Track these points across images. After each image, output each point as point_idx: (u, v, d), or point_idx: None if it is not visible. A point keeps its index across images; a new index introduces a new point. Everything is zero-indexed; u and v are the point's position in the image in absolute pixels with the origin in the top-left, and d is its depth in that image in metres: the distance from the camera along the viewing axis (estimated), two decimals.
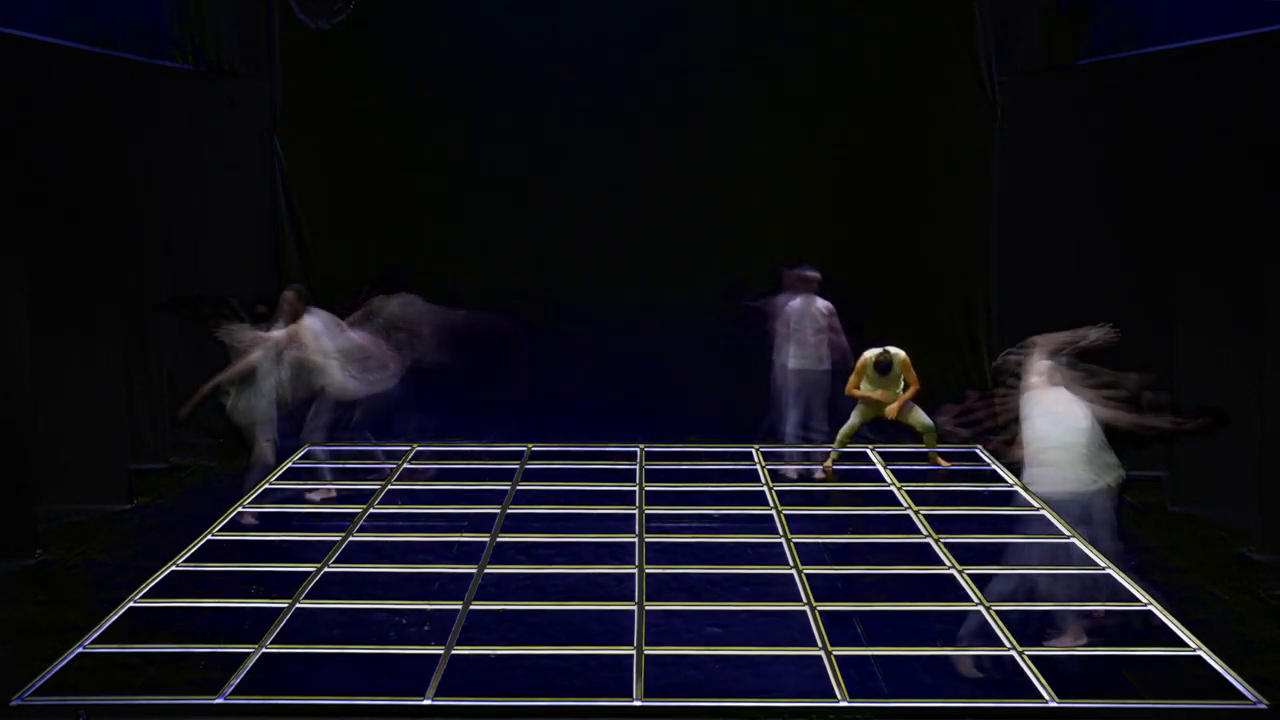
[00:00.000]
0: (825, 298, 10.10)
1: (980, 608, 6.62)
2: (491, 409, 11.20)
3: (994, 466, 9.44)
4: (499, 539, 7.85)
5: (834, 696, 5.69)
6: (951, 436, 9.11)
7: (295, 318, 9.28)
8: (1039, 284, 11.08)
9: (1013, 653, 6.11)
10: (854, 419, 9.81)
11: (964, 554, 7.45)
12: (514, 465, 9.54)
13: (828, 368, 10.09)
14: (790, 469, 9.92)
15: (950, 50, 11.25)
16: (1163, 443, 8.90)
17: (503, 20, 11.55)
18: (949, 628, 6.58)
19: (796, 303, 10.07)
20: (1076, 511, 6.97)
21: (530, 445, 10.06)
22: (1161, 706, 5.70)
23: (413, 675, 5.90)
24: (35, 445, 8.52)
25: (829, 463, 9.82)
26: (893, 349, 9.61)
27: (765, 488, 8.95)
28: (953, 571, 7.18)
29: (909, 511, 8.31)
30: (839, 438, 9.87)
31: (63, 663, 6.07)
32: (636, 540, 7.73)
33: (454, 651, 6.17)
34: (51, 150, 8.99)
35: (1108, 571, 6.97)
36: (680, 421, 10.99)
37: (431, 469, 9.62)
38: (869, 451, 9.83)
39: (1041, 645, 6.35)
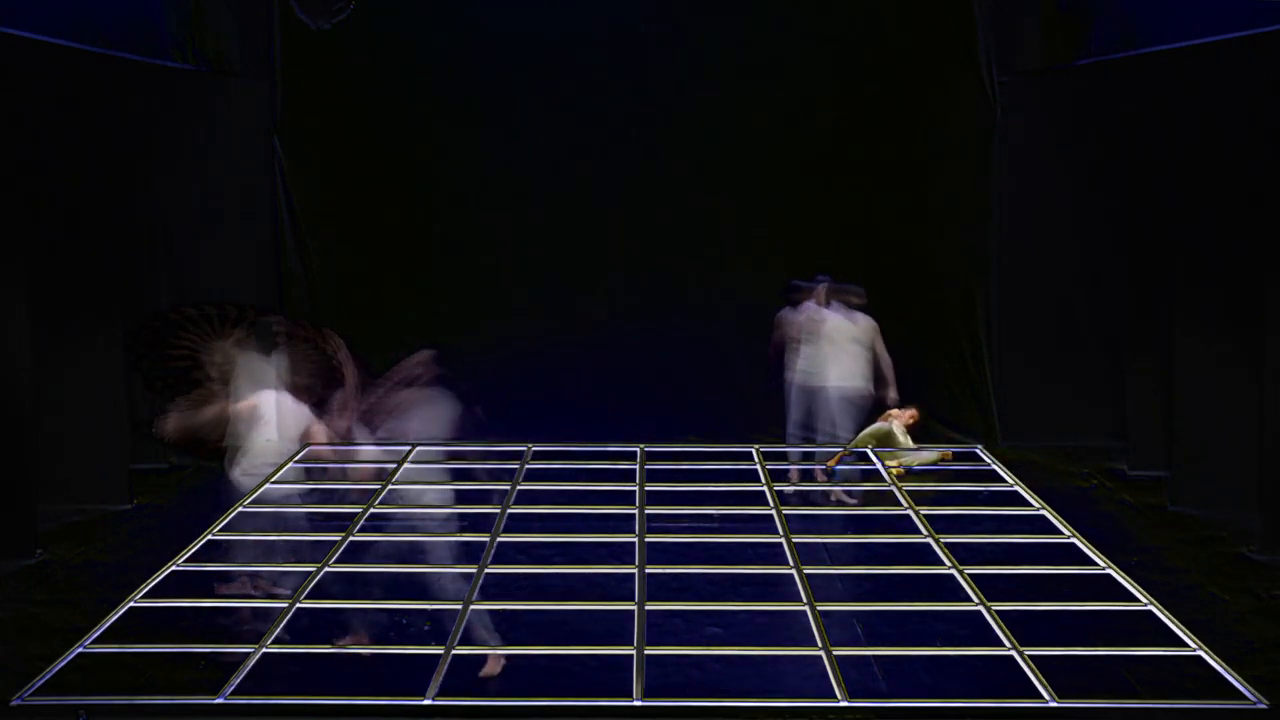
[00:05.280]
0: (828, 306, 10.12)
1: (981, 607, 6.62)
2: (491, 409, 11.17)
3: (994, 466, 9.43)
4: (499, 539, 7.84)
5: (834, 696, 5.69)
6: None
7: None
8: (1039, 284, 11.08)
9: (1012, 652, 6.11)
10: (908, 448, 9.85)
11: (964, 554, 7.44)
12: (514, 465, 9.53)
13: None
14: (791, 469, 9.92)
15: (950, 50, 11.24)
16: None
17: (505, 19, 11.53)
18: (948, 628, 6.59)
19: (803, 309, 10.09)
20: None
21: (531, 445, 10.05)
22: (1161, 706, 5.69)
23: (413, 675, 5.90)
24: (35, 445, 8.52)
25: (832, 462, 9.81)
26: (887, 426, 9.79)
27: (765, 488, 8.94)
28: (953, 571, 7.17)
29: (909, 511, 8.30)
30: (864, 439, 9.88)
31: (63, 663, 6.05)
32: (636, 540, 7.72)
33: (454, 651, 6.17)
34: (51, 150, 8.98)
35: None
36: (680, 421, 10.98)
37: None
38: (869, 452, 9.81)
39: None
